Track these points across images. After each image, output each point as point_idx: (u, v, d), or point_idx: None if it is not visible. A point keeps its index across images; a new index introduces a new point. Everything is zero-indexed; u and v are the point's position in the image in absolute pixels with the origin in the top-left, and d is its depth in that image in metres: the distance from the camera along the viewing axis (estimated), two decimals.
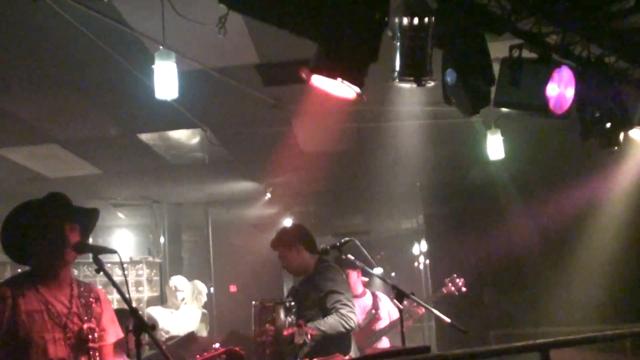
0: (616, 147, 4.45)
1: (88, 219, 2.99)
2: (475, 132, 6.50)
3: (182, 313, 7.26)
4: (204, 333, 7.67)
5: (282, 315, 3.87)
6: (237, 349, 3.21)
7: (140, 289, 8.95)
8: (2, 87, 5.22)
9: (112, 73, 4.90)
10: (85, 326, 2.82)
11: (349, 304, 4.09)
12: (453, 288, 6.18)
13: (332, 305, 4.03)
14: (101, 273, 2.69)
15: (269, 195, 9.35)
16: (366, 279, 6.03)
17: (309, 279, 4.25)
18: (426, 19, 3.03)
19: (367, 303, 5.92)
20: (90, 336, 2.82)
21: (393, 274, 13.42)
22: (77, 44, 4.43)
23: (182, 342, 5.12)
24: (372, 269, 4.07)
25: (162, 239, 9.84)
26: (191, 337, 5.33)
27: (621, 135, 4.45)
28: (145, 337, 2.58)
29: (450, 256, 7.84)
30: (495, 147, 6.23)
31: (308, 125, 6.46)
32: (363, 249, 3.96)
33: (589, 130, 4.16)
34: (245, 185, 9.27)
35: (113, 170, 8.02)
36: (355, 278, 5.83)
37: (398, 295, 3.53)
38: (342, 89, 2.99)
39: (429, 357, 2.49)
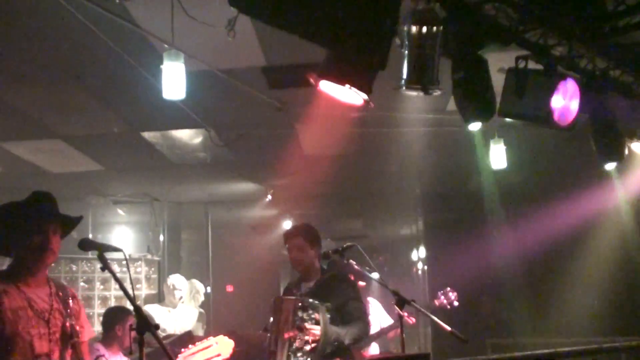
0: (619, 160, 4.48)
1: (71, 224, 2.99)
2: (477, 141, 6.53)
3: (179, 312, 7.27)
4: (200, 332, 7.68)
5: (326, 316, 3.89)
6: (226, 334, 3.22)
7: (138, 286, 8.94)
8: (9, 82, 5.24)
9: (118, 71, 4.91)
10: (67, 323, 2.86)
11: (367, 313, 4.27)
12: (445, 301, 5.98)
13: (358, 315, 4.10)
14: (99, 269, 2.72)
15: (269, 197, 9.36)
16: (363, 284, 6.01)
17: (322, 284, 4.19)
18: (434, 28, 3.05)
19: None
20: (72, 332, 2.87)
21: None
22: (85, 41, 4.44)
23: (179, 340, 5.13)
24: (371, 274, 4.10)
25: (161, 237, 9.83)
26: (188, 336, 5.35)
27: (625, 149, 4.49)
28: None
29: (449, 263, 7.83)
30: (498, 156, 6.27)
31: (312, 129, 6.48)
32: (365, 255, 3.97)
33: (596, 142, 4.21)
34: (246, 187, 9.27)
35: (115, 167, 8.03)
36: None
37: (399, 301, 3.54)
38: (350, 95, 3.01)
39: None
